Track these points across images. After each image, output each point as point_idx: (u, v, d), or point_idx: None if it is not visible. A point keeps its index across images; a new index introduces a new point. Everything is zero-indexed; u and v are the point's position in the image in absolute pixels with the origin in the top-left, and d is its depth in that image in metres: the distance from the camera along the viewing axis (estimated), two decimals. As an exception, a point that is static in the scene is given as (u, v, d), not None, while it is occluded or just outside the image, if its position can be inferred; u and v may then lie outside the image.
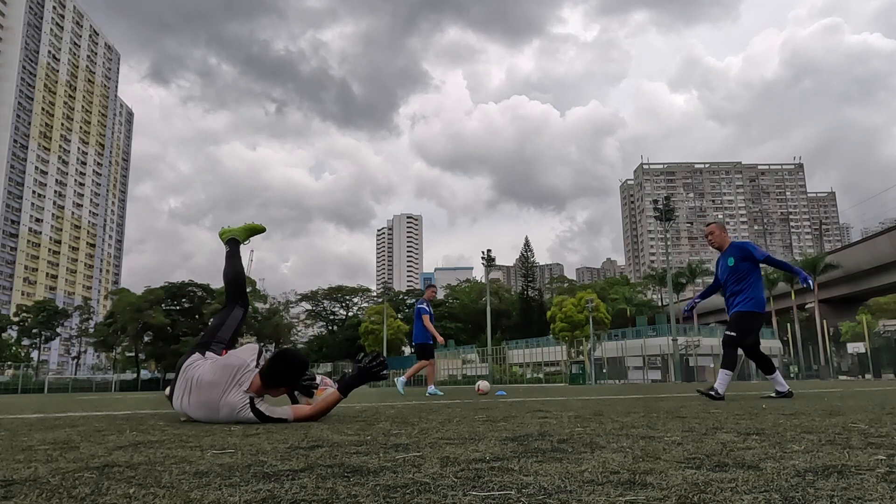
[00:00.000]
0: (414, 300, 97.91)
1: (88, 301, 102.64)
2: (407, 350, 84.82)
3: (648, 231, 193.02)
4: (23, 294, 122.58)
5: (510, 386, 26.92)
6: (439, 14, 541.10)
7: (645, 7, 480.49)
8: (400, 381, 10.11)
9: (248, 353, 3.52)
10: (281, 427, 3.08)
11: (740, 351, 6.53)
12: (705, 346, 51.38)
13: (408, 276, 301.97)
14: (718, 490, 1.26)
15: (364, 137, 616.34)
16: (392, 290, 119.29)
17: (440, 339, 10.45)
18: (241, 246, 4.55)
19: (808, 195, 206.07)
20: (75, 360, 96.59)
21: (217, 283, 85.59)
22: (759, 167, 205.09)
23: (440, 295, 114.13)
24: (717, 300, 79.62)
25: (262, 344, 3.61)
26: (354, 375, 3.58)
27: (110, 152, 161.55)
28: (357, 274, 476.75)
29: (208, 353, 3.71)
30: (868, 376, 48.43)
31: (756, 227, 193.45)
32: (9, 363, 72.47)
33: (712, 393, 5.96)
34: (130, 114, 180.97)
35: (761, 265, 6.51)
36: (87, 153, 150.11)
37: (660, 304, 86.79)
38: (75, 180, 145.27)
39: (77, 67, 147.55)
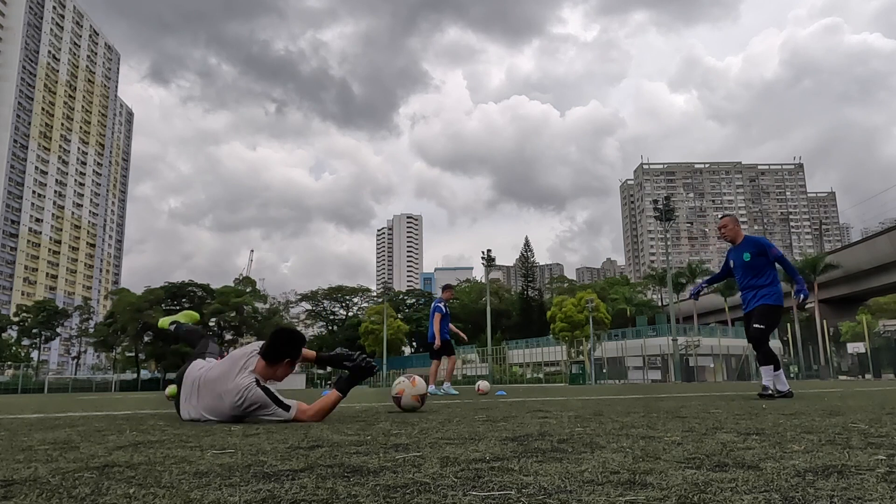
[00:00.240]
0: (414, 300, 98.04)
1: (88, 301, 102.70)
2: (407, 350, 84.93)
3: (648, 231, 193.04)
4: (23, 294, 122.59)
5: (510, 386, 26.94)
6: (439, 14, 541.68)
7: (645, 7, 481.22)
8: (446, 386, 10.13)
9: (250, 347, 3.67)
10: (281, 427, 3.08)
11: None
12: (705, 346, 51.37)
13: (408, 276, 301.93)
14: (718, 490, 1.26)
15: (364, 137, 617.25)
16: (392, 290, 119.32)
17: (437, 342, 10.44)
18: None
19: (808, 195, 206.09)
20: (75, 360, 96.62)
21: (217, 283, 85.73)
22: (759, 167, 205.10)
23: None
24: (716, 300, 79.75)
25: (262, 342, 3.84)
26: (351, 375, 3.71)
27: (110, 152, 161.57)
28: (357, 274, 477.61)
29: (208, 358, 3.88)
30: (868, 376, 48.44)
31: (756, 227, 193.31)
32: (9, 363, 72.48)
33: (770, 392, 5.98)
34: (130, 114, 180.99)
35: None
36: (87, 153, 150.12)
37: (660, 304, 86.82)
38: (75, 180, 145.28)
39: (77, 67, 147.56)
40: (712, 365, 50.73)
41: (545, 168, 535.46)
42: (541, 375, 56.32)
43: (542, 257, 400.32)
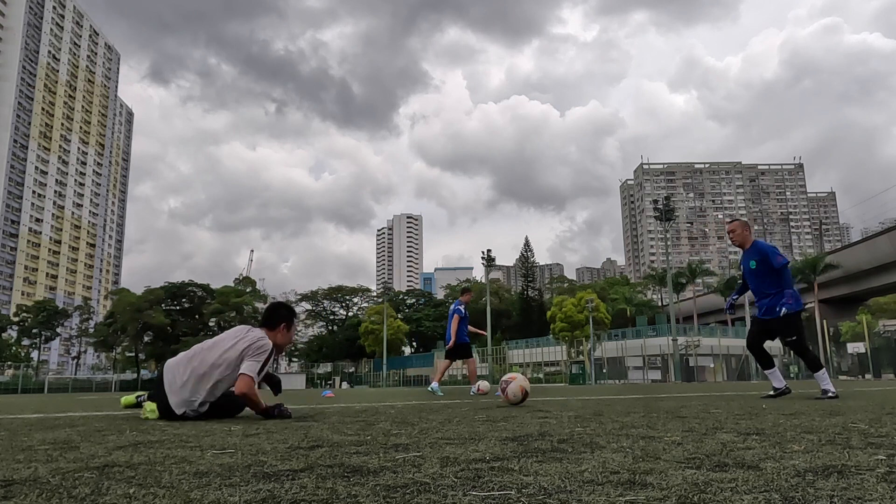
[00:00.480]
0: (414, 300, 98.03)
1: (88, 301, 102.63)
2: (407, 350, 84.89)
3: (648, 231, 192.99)
4: (23, 294, 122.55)
5: (510, 386, 26.91)
6: (439, 14, 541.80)
7: (645, 7, 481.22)
8: (473, 390, 10.16)
9: (234, 329, 4.19)
10: (281, 427, 3.09)
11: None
12: (705, 346, 51.34)
13: (408, 276, 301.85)
14: (718, 490, 1.26)
15: (364, 137, 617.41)
16: (392, 290, 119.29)
17: (451, 343, 10.49)
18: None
19: (808, 195, 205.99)
20: (75, 360, 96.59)
21: (217, 283, 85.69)
22: (759, 167, 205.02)
23: (440, 295, 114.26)
24: (716, 300, 79.72)
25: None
26: (265, 411, 3.95)
27: (110, 152, 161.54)
28: (357, 274, 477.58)
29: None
30: (868, 376, 48.44)
31: (756, 228, 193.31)
32: (9, 363, 72.41)
33: (830, 395, 5.95)
34: (130, 114, 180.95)
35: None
36: (87, 153, 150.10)
37: (660, 304, 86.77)
38: (75, 180, 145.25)
39: (77, 67, 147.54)
40: (712, 365, 50.70)
41: (545, 168, 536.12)
42: (541, 375, 56.31)
43: (542, 257, 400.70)
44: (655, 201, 53.99)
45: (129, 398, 4.75)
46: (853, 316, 66.72)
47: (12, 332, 79.15)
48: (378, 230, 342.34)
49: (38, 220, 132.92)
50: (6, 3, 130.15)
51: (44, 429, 3.30)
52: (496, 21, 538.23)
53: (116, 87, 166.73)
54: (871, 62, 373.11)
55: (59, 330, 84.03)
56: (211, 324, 72.17)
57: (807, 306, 68.77)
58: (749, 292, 6.79)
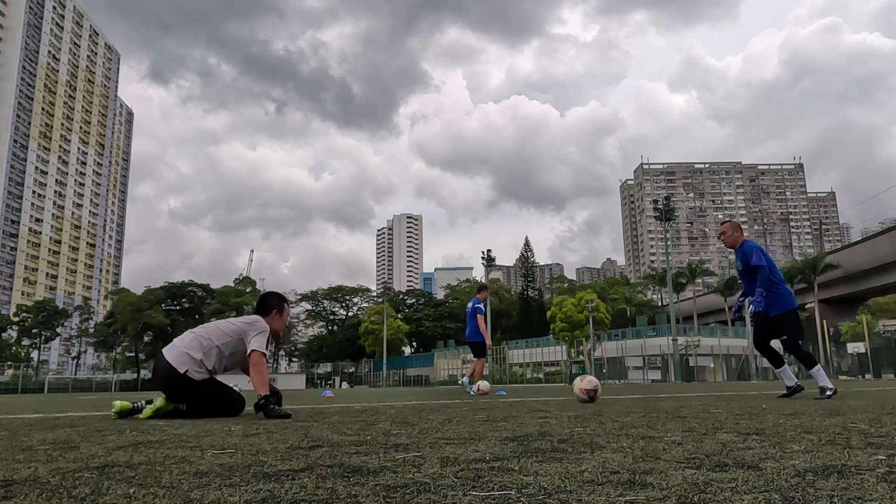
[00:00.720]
0: (414, 300, 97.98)
1: (88, 301, 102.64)
2: (407, 350, 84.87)
3: (648, 231, 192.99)
4: (23, 294, 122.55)
5: (510, 386, 26.92)
6: (439, 14, 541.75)
7: (644, 7, 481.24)
8: (465, 381, 10.21)
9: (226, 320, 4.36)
10: (281, 427, 3.09)
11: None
12: (705, 346, 51.31)
13: (408, 276, 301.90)
14: (718, 490, 1.26)
15: (364, 137, 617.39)
16: (392, 290, 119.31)
17: (489, 342, 10.60)
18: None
19: (808, 195, 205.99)
20: (75, 360, 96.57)
21: (217, 283, 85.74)
22: (759, 167, 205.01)
23: (440, 295, 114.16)
24: (716, 300, 79.75)
25: None
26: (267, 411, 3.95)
27: (110, 152, 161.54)
28: (357, 274, 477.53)
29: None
30: (868, 376, 48.42)
31: (756, 227, 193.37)
32: (9, 363, 72.40)
33: (829, 393, 5.97)
34: (130, 114, 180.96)
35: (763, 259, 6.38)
36: (87, 153, 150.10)
37: (660, 304, 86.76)
38: (75, 180, 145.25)
39: (77, 67, 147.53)
40: (712, 365, 50.67)
41: (545, 168, 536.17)
42: (541, 375, 56.29)
43: (542, 257, 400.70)
44: (655, 201, 53.98)
45: (125, 404, 4.33)
46: (853, 316, 66.69)
47: (12, 332, 79.17)
48: (378, 230, 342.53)
49: (38, 220, 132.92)
50: (6, 3, 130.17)
51: (44, 429, 3.30)
52: (496, 21, 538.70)
53: (116, 87, 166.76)
54: (871, 62, 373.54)
55: (59, 330, 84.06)
56: (211, 324, 72.13)
57: (807, 306, 68.83)
58: None
